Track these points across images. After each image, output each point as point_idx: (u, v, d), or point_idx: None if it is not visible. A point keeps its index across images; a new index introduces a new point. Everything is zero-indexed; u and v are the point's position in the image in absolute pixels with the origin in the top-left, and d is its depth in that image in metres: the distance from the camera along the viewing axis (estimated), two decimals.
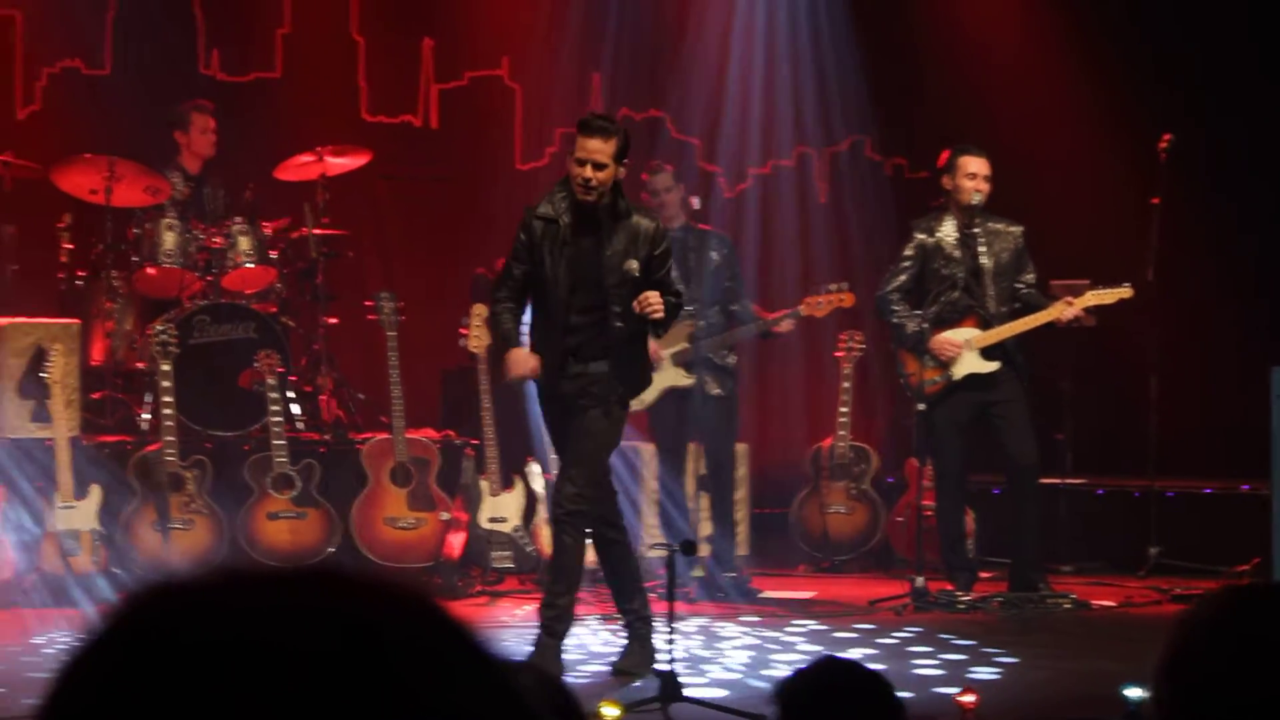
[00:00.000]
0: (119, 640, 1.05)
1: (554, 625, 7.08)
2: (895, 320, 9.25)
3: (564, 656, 7.16)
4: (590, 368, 6.99)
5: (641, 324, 6.95)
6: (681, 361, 9.55)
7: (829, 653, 7.14)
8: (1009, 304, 9.19)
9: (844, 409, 10.42)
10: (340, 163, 10.56)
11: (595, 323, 6.97)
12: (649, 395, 9.62)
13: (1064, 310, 9.04)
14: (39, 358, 9.24)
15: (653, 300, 6.79)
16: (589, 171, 6.82)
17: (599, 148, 6.81)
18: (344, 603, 1.06)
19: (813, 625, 8.44)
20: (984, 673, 7.06)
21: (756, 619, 8.63)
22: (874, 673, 3.62)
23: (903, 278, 9.27)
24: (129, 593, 1.08)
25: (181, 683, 1.01)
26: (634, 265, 6.90)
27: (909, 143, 12.29)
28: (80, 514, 8.85)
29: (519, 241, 7.07)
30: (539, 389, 7.28)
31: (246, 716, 1.00)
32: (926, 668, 7.20)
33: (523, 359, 7.13)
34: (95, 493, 8.91)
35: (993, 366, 9.09)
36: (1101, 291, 9.15)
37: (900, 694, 3.42)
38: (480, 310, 9.73)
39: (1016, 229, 9.27)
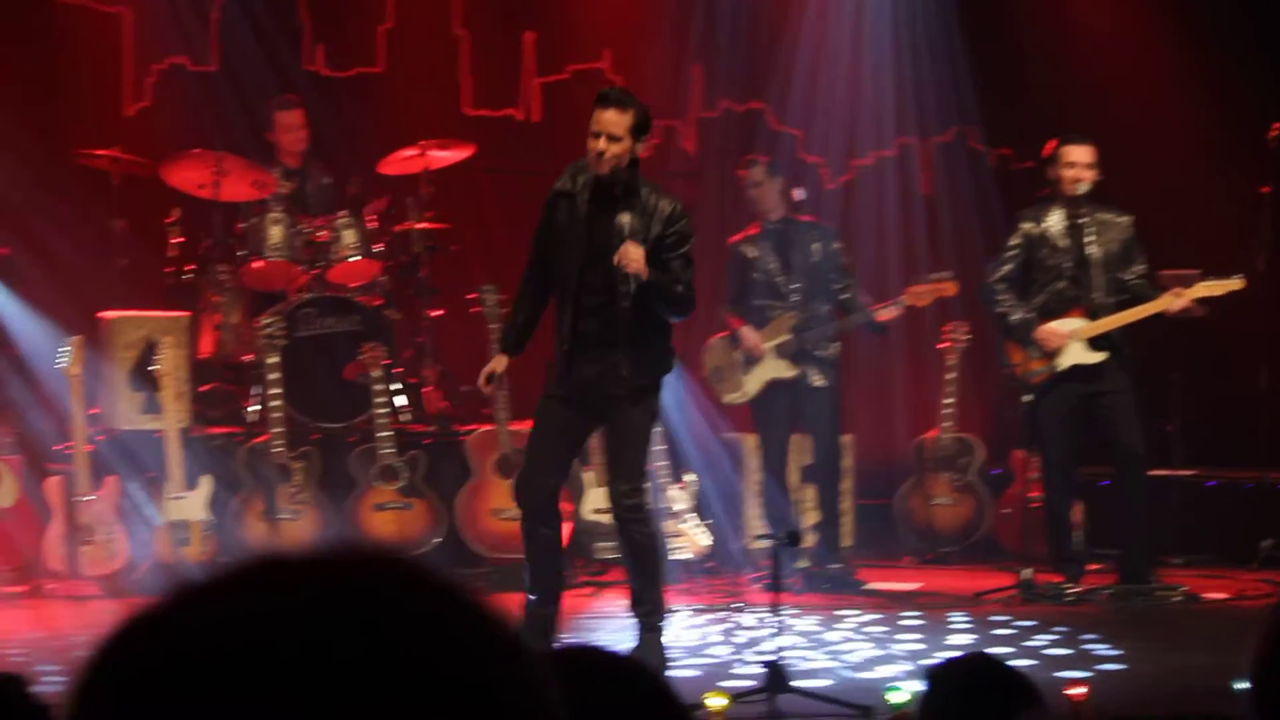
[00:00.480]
0: (133, 640, 1.06)
1: (649, 620, 7.07)
2: (1000, 310, 9.19)
3: (666, 649, 7.15)
4: (606, 353, 6.85)
5: (652, 305, 6.86)
6: (784, 353, 9.53)
7: (981, 651, 7.13)
8: (1116, 295, 9.10)
9: (949, 400, 10.36)
10: (443, 156, 10.62)
11: (606, 304, 6.85)
12: (752, 387, 9.63)
13: (1172, 302, 8.93)
14: (149, 351, 9.35)
15: (632, 254, 6.67)
16: (602, 143, 6.76)
17: (613, 119, 6.75)
18: (356, 600, 1.05)
19: (918, 617, 8.39)
20: (1093, 666, 6.99)
21: (861, 610, 8.60)
22: (1021, 674, 3.61)
23: (1008, 267, 9.21)
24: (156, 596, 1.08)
25: (193, 683, 1.01)
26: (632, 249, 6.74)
27: (1014, 133, 12.18)
28: (190, 505, 8.95)
29: (540, 224, 7.03)
30: (554, 374, 7.07)
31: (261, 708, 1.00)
32: (1034, 661, 7.14)
33: (494, 367, 7.18)
34: (205, 484, 9.02)
35: (1099, 357, 9.00)
36: (1212, 283, 9.03)
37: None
38: None
39: (1125, 219, 9.17)
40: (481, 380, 7.29)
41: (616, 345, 6.82)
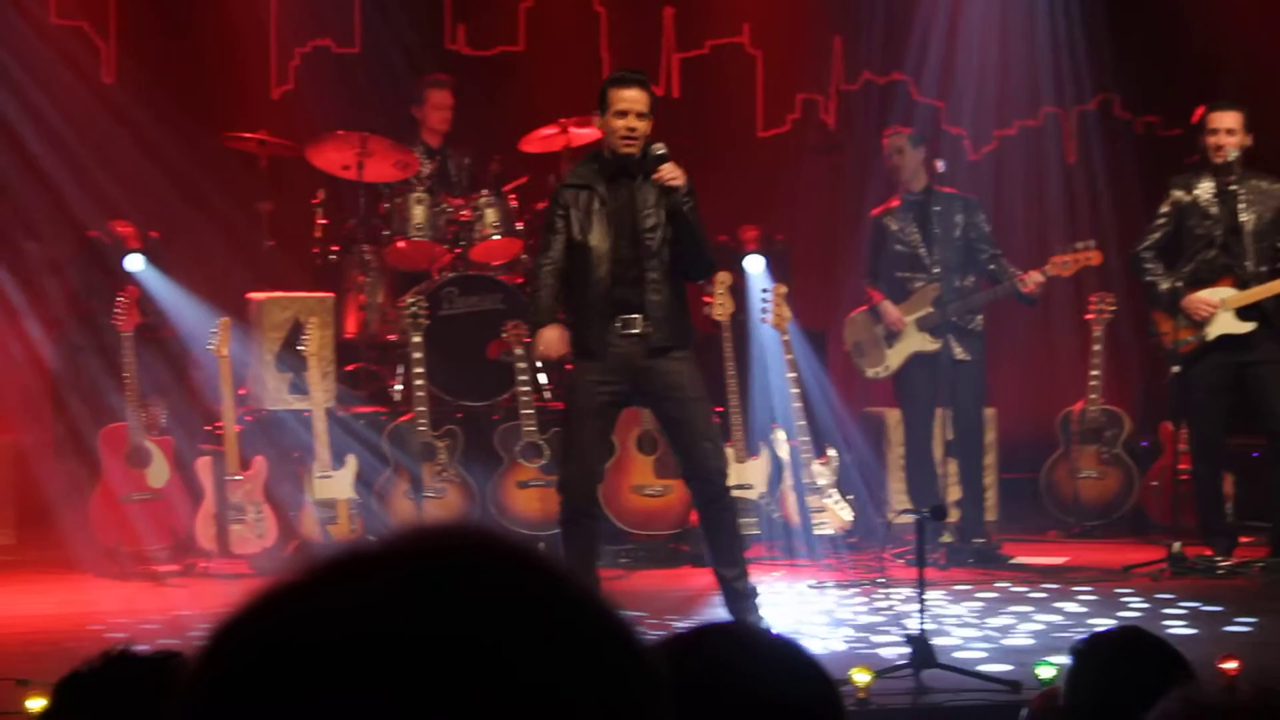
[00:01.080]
0: (244, 630, 1.07)
1: (752, 593, 7.13)
2: (1148, 279, 9.05)
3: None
4: (639, 325, 6.95)
5: (678, 277, 7.02)
6: (926, 326, 9.46)
7: (1134, 625, 7.05)
8: (1269, 264, 8.92)
9: (1095, 371, 10.23)
10: (584, 134, 10.64)
11: (636, 278, 6.97)
12: (894, 361, 9.58)
13: None
14: (296, 331, 9.47)
15: (668, 171, 6.85)
16: (632, 120, 6.90)
17: (638, 97, 6.93)
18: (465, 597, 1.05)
19: (1066, 592, 8.29)
20: (1246, 639, 6.88)
21: (1008, 585, 8.52)
22: (1172, 647, 3.57)
23: (1157, 235, 9.07)
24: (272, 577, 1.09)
25: (293, 672, 1.02)
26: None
27: (1161, 100, 11.99)
28: (337, 483, 9.07)
29: (553, 216, 7.11)
30: (584, 351, 7.08)
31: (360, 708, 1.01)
32: (1186, 634, 7.04)
33: (553, 341, 7.15)
34: (351, 463, 9.13)
35: (1248, 327, 8.84)
36: None
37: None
38: (724, 278, 9.72)
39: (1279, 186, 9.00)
40: (558, 353, 7.28)
41: (650, 315, 6.95)
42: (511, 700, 1.02)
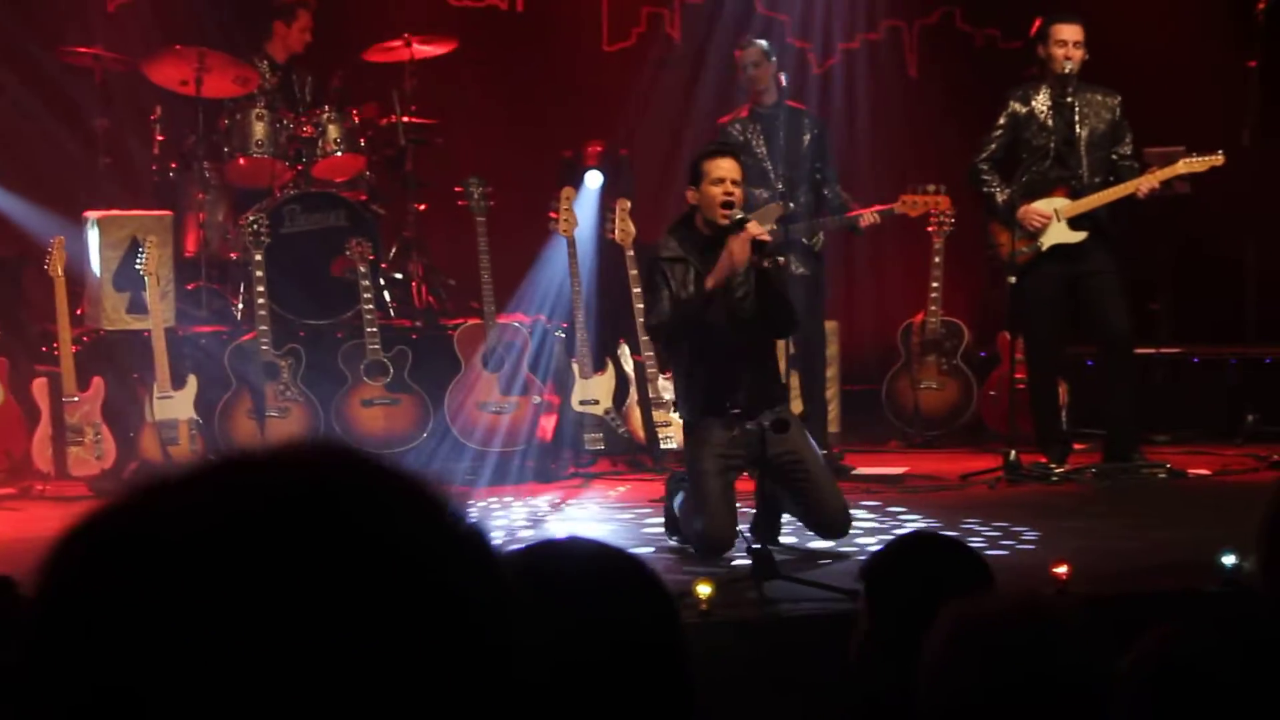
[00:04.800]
0: (91, 528, 1.08)
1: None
2: (985, 190, 9.16)
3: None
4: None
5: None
6: (770, 249, 9.48)
7: (916, 530, 7.17)
8: (1104, 175, 9.06)
9: (935, 284, 10.36)
10: (427, 49, 10.55)
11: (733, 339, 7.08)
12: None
13: (1143, 182, 8.90)
14: (134, 250, 9.33)
15: (755, 227, 7.02)
16: (729, 187, 7.07)
17: (733, 166, 7.14)
18: (305, 470, 1.09)
19: (904, 501, 8.42)
20: (1078, 544, 7.03)
21: (849, 496, 8.61)
22: (961, 544, 3.61)
23: (994, 146, 9.17)
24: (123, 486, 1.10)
25: (144, 554, 1.04)
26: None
27: (1001, 13, 12.10)
28: (178, 404, 8.97)
29: (655, 276, 7.18)
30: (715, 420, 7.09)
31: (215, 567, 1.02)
32: (1020, 540, 7.19)
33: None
34: (192, 383, 9.04)
35: (1079, 237, 8.98)
36: (1193, 160, 9.00)
37: (992, 565, 3.42)
38: (569, 193, 9.73)
39: (1115, 98, 9.11)
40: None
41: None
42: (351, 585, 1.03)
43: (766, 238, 7.02)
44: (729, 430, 7.02)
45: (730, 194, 7.05)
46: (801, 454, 7.13)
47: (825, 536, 7.26)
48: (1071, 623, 2.47)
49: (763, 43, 9.69)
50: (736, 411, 6.92)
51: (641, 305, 9.44)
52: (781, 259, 7.24)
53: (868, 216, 9.33)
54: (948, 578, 3.37)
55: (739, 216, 7.07)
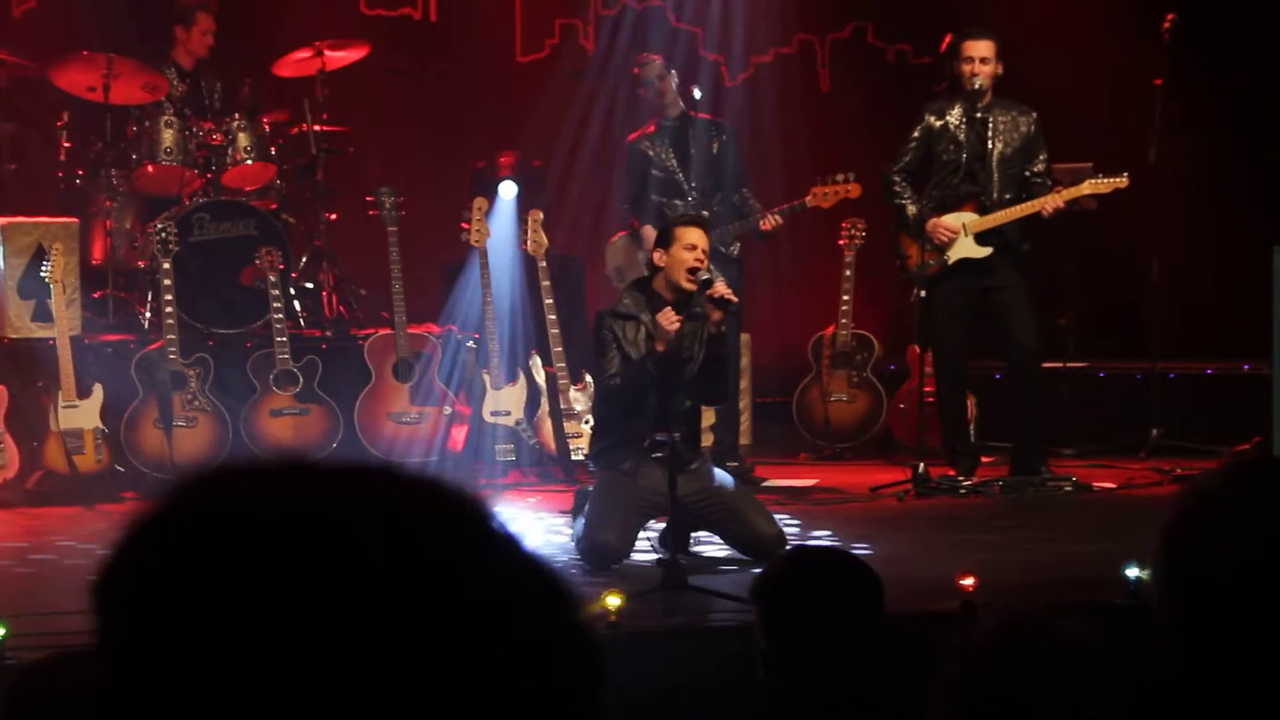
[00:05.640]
0: (184, 510, 1.10)
1: None
2: (897, 202, 9.21)
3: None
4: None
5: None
6: None
7: (800, 544, 7.19)
8: (1014, 191, 9.12)
9: (846, 296, 10.41)
10: (339, 56, 10.50)
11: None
12: None
13: (1050, 201, 8.98)
14: (39, 257, 9.23)
15: (721, 285, 7.16)
16: (699, 254, 7.17)
17: (703, 237, 7.25)
18: (392, 494, 1.11)
19: (815, 512, 8.46)
20: (984, 556, 7.08)
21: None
22: (847, 555, 3.63)
23: (907, 159, 9.23)
24: (193, 472, 1.12)
25: (235, 553, 1.06)
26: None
27: (912, 28, 12.19)
28: (83, 413, 8.87)
29: (603, 334, 7.23)
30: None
31: (287, 589, 1.05)
32: (928, 553, 7.23)
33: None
34: (98, 391, 8.94)
35: (985, 251, 9.04)
36: (1098, 181, 9.09)
37: (899, 579, 3.44)
38: (481, 204, 9.71)
39: (1030, 115, 9.18)
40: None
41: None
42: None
43: (732, 297, 7.10)
44: (644, 460, 7.01)
45: (700, 261, 7.16)
46: (717, 491, 7.14)
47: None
48: (1074, 640, 2.48)
49: (657, 59, 9.76)
50: (656, 450, 6.90)
51: (555, 316, 9.46)
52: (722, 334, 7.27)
53: (769, 219, 9.39)
54: (837, 591, 3.39)
55: (704, 278, 7.15)
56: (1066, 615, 2.60)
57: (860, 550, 6.78)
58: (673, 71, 9.66)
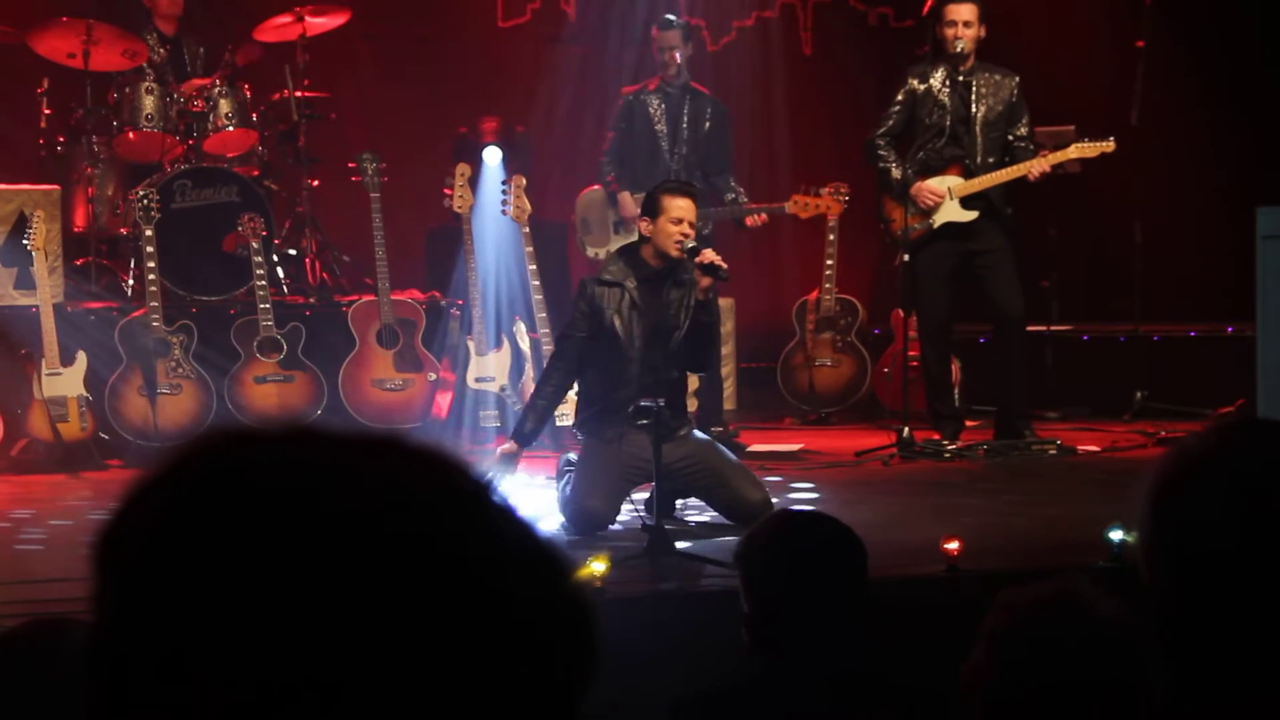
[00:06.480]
0: (187, 476, 1.10)
1: None
2: (881, 165, 9.20)
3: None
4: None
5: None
6: None
7: (783, 508, 7.20)
8: (998, 154, 9.12)
9: (830, 261, 10.41)
10: (319, 22, 10.45)
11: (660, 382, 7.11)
12: (615, 246, 9.61)
13: (1036, 165, 8.97)
14: (21, 224, 9.20)
15: (710, 253, 7.13)
16: (686, 227, 7.15)
17: (690, 206, 7.20)
18: (394, 466, 1.12)
19: (803, 477, 8.47)
20: (969, 520, 7.09)
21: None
22: (829, 520, 3.63)
23: (891, 122, 9.22)
24: (202, 433, 1.13)
25: (237, 523, 1.06)
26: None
27: None
28: (67, 380, 8.85)
29: (582, 315, 7.24)
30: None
31: (289, 560, 1.05)
32: (912, 517, 7.24)
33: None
34: (81, 359, 8.92)
35: (971, 216, 9.04)
36: (1084, 145, 9.08)
37: (883, 543, 3.44)
38: (463, 170, 9.68)
39: (1013, 79, 9.17)
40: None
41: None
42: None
43: (722, 264, 7.08)
44: (629, 428, 7.00)
45: (686, 235, 7.14)
46: (703, 457, 7.15)
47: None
48: (1113, 617, 2.48)
49: (681, 23, 9.73)
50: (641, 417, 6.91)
51: (538, 282, 9.45)
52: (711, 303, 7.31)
53: (754, 217, 9.41)
54: (819, 555, 3.39)
55: (691, 246, 7.14)
56: (1100, 588, 2.59)
57: (844, 514, 6.79)
58: (688, 41, 9.66)
